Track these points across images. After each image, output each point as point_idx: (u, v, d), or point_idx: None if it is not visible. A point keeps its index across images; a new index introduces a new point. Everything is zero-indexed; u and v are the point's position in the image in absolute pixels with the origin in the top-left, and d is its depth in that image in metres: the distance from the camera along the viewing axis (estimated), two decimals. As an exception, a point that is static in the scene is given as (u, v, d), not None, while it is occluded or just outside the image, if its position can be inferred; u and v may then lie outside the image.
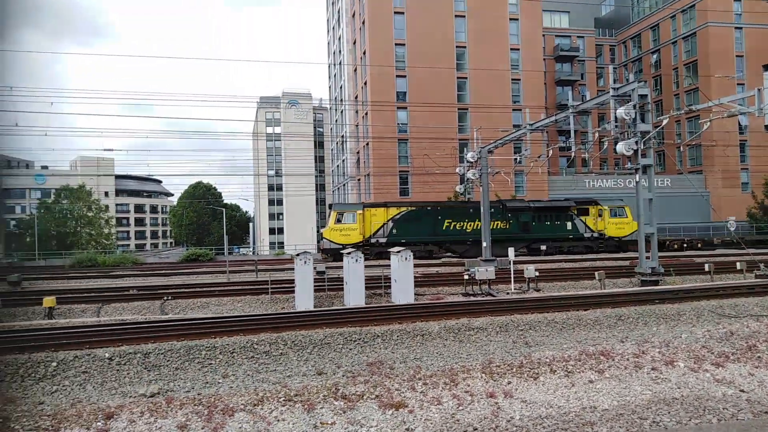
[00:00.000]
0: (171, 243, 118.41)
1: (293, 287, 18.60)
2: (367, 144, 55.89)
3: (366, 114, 56.61)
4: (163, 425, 7.33)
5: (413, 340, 12.77)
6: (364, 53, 56.63)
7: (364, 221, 34.05)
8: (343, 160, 71.45)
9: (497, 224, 34.82)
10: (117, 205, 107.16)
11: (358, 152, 62.02)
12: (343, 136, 70.76)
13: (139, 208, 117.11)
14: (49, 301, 16.43)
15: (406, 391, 8.80)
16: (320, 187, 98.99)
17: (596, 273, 21.35)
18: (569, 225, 35.90)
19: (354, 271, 18.04)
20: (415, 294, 18.47)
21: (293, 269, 18.50)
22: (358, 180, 61.78)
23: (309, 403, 8.18)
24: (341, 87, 72.46)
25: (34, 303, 17.82)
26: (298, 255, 18.10)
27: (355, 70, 62.33)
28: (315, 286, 18.56)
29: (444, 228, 34.73)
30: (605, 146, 24.83)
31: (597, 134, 24.04)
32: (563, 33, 67.19)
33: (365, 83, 56.88)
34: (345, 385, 9.05)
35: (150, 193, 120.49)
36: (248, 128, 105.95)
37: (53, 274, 29.47)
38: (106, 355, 10.73)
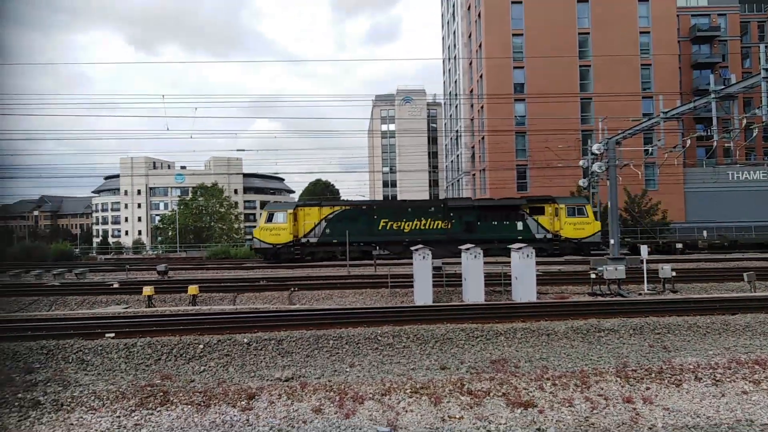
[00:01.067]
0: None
1: (411, 281, 18.79)
2: (483, 138, 54.98)
3: (482, 108, 55.71)
4: (299, 408, 7.74)
5: (538, 339, 12.36)
6: (480, 46, 55.71)
7: (296, 221, 33.05)
8: (458, 156, 70.94)
9: (437, 224, 32.81)
10: (245, 201, 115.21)
11: (473, 147, 61.24)
12: (457, 131, 70.26)
13: (264, 205, 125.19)
14: (193, 289, 18.06)
15: (534, 390, 8.54)
16: (433, 183, 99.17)
17: (745, 274, 19.25)
18: (519, 225, 32.78)
19: (473, 267, 17.83)
20: (537, 293, 17.87)
21: (411, 264, 18.69)
22: (473, 175, 60.99)
23: (435, 397, 8.22)
24: (456, 81, 71.93)
25: (180, 291, 19.68)
26: (416, 250, 18.25)
27: (471, 63, 61.55)
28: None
29: (380, 228, 33.05)
30: (754, 134, 22.24)
31: (744, 121, 21.57)
32: (701, 11, 61.22)
33: (481, 76, 55.97)
34: (470, 381, 8.97)
35: (274, 190, 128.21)
36: (364, 126, 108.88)
37: (193, 265, 32.33)
38: (245, 340, 11.56)
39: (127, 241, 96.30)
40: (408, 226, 33.00)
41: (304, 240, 33.12)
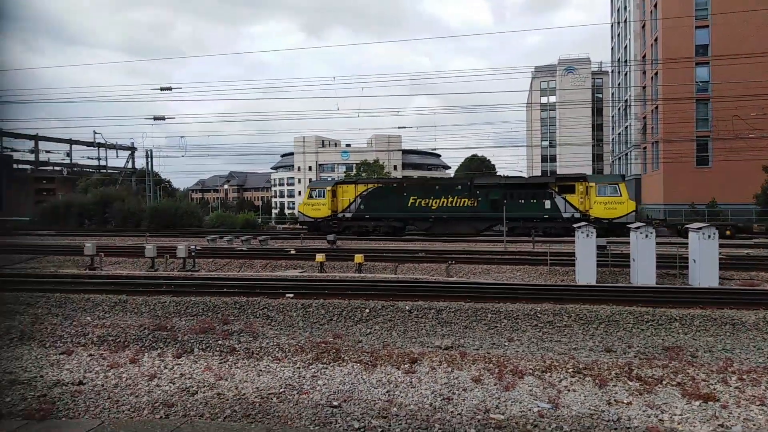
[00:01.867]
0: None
1: (572, 260, 18.02)
2: (656, 107, 49.89)
3: (656, 74, 50.46)
4: (459, 376, 7.99)
5: (720, 329, 11.18)
6: (656, 6, 50.22)
7: (335, 197, 35.00)
8: (626, 127, 65.32)
9: (464, 201, 32.88)
10: (403, 177, 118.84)
11: (644, 117, 55.90)
12: (626, 101, 64.57)
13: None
14: (359, 258, 19.31)
15: (715, 383, 7.80)
16: (597, 158, 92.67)
17: None
18: (547, 204, 31.24)
19: (644, 247, 16.54)
20: (719, 278, 16.05)
21: (573, 242, 17.91)
22: (644, 148, 55.83)
23: (600, 379, 7.92)
24: (626, 47, 65.90)
25: (347, 259, 21.15)
26: (579, 227, 17.41)
27: (644, 26, 55.83)
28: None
29: (409, 204, 33.64)
30: None
31: None
32: None
33: (656, 39, 50.59)
34: (639, 367, 8.47)
35: (431, 166, 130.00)
36: (522, 99, 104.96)
37: (357, 236, 34.31)
38: (407, 307, 12.15)
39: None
40: (435, 203, 33.44)
41: (341, 215, 35.16)
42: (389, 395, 7.34)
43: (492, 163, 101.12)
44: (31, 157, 45.57)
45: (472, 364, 8.48)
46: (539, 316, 11.77)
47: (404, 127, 70.52)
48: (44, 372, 8.28)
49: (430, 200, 33.68)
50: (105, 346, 9.45)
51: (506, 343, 10.43)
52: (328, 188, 35.68)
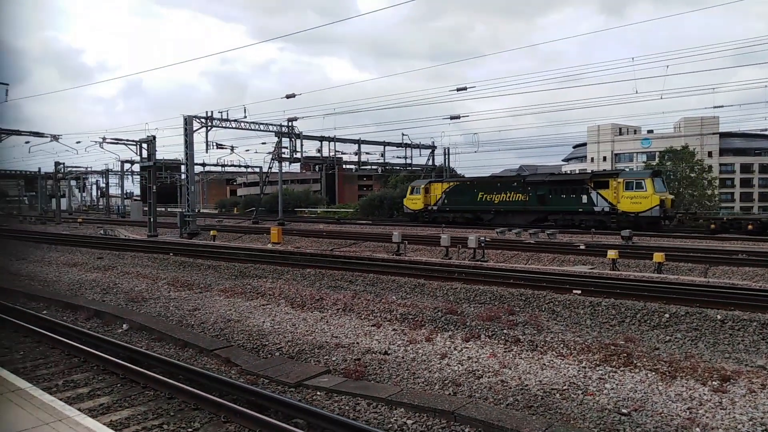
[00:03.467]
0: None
1: None
2: None
3: None
4: (791, 406, 6.55)
5: None
6: None
7: (428, 193, 42.94)
8: None
9: (518, 197, 37.28)
10: (721, 165, 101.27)
11: None
12: None
13: (745, 168, 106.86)
14: (659, 256, 17.36)
15: None
16: None
17: None
18: (584, 198, 34.01)
19: None
20: None
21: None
22: None
23: None
24: None
25: (643, 257, 19.25)
26: None
27: None
28: None
29: (478, 199, 39.56)
30: None
31: None
32: None
33: None
34: None
35: (759, 150, 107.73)
36: None
37: (657, 233, 30.80)
38: (718, 317, 10.47)
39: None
40: (497, 198, 38.74)
41: (431, 207, 42.79)
42: (691, 413, 6.50)
43: None
44: (355, 158, 53.89)
45: (813, 395, 6.86)
46: None
47: (722, 106, 59.68)
48: (359, 340, 9.83)
49: (493, 195, 39.01)
50: (405, 323, 10.68)
51: None
52: (422, 186, 43.68)
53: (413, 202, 44.25)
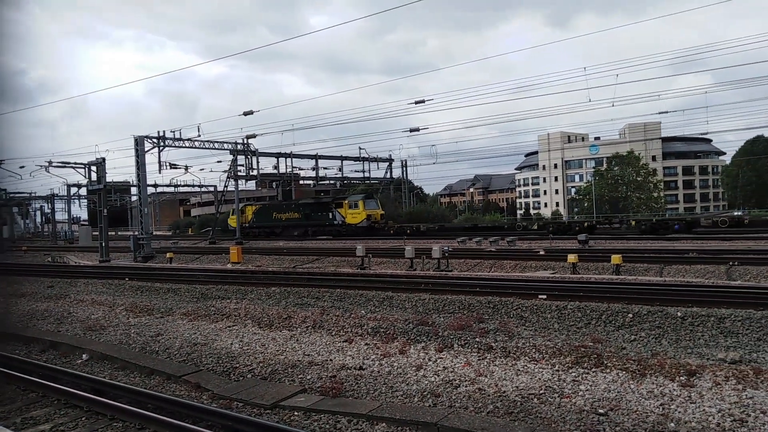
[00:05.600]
0: (723, 206, 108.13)
1: None
2: None
3: None
4: (755, 396, 6.83)
5: None
6: None
7: (244, 213, 52.28)
8: None
9: (294, 215, 50.11)
10: (664, 168, 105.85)
11: None
12: None
13: (687, 170, 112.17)
14: (616, 258, 17.93)
15: None
16: None
17: None
18: (330, 215, 47.43)
19: None
20: None
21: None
22: None
23: None
24: None
25: (602, 260, 19.84)
26: None
27: None
28: None
29: (273, 218, 51.55)
30: None
31: None
32: None
33: None
34: None
35: (699, 153, 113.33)
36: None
37: (612, 236, 31.87)
38: (678, 314, 10.85)
39: (546, 212, 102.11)
40: (284, 216, 50.87)
41: (245, 225, 51.68)
42: (664, 408, 6.68)
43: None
44: (313, 173, 53.65)
45: (772, 384, 7.16)
46: None
47: (665, 112, 62.57)
48: (332, 356, 9.69)
49: (282, 214, 51.22)
50: (377, 337, 10.61)
51: (819, 362, 8.52)
52: (240, 208, 51.48)
53: (233, 220, 53.02)
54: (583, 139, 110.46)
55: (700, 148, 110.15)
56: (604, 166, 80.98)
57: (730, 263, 17.77)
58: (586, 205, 75.12)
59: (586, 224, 37.32)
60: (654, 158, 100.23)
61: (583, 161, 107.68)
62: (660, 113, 45.15)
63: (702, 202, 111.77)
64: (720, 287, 13.48)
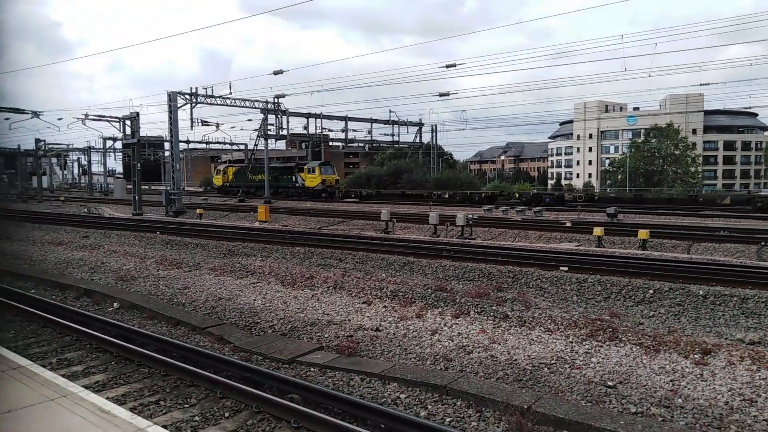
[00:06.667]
0: (765, 184, 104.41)
1: None
2: None
3: None
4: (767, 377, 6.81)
5: None
6: None
7: (226, 174, 60.31)
8: None
9: (262, 177, 50.52)
10: (705, 142, 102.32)
11: None
12: None
13: (728, 146, 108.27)
14: (643, 233, 17.67)
15: None
16: None
17: None
18: (294, 178, 52.58)
19: None
20: None
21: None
22: None
23: None
24: None
25: (629, 234, 19.58)
26: None
27: None
28: None
29: (249, 178, 55.77)
30: None
31: None
32: None
33: None
34: None
35: (742, 128, 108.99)
36: None
37: (644, 209, 31.28)
38: (700, 292, 10.75)
39: (578, 183, 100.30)
40: (258, 177, 53.09)
41: (226, 184, 60.17)
42: (673, 385, 6.73)
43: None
44: (342, 135, 53.62)
45: (793, 365, 7.12)
46: None
47: (708, 84, 59.72)
48: (351, 317, 9.96)
49: (256, 176, 54.19)
50: (396, 300, 10.82)
51: (841, 348, 8.39)
52: (222, 168, 60.15)
53: (216, 179, 62.98)
54: (621, 109, 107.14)
55: (744, 122, 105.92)
56: (642, 137, 78.67)
57: (762, 243, 17.35)
58: (620, 177, 73.46)
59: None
60: (694, 131, 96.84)
61: (620, 132, 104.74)
62: (701, 85, 43.22)
63: (742, 179, 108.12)
64: (747, 267, 13.22)
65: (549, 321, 9.27)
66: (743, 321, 9.76)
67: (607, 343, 8.22)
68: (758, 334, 8.87)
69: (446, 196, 43.80)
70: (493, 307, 10.10)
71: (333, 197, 48.37)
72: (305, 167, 51.94)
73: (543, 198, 39.40)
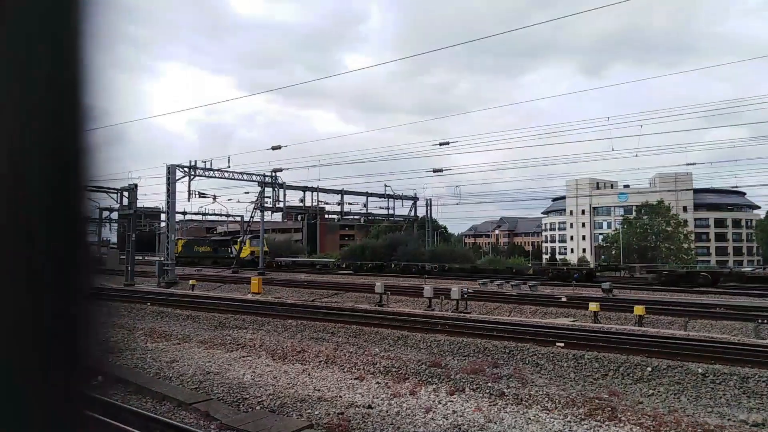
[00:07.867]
0: (757, 261, 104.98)
1: None
2: None
3: None
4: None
5: None
6: None
7: (176, 245, 53.08)
8: None
9: (207, 249, 65.72)
10: (695, 219, 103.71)
11: None
12: None
13: (719, 223, 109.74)
14: (639, 309, 17.55)
15: None
16: None
17: None
18: (229, 249, 60.44)
19: None
20: None
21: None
22: None
23: None
24: None
25: (624, 310, 19.43)
26: None
27: None
28: None
29: (194, 250, 66.34)
30: None
31: None
32: None
33: None
34: None
35: (732, 206, 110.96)
36: None
37: (638, 286, 31.21)
38: (699, 370, 10.54)
39: (572, 258, 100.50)
40: (201, 249, 65.39)
41: (177, 255, 55.90)
42: (676, 469, 6.46)
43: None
44: (338, 208, 54.14)
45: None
46: None
47: (694, 164, 61.35)
48: (342, 393, 9.65)
49: (200, 248, 65.70)
50: (389, 376, 10.55)
51: None
52: (176, 241, 58.39)
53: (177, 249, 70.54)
54: (611, 186, 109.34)
55: (733, 200, 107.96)
56: (633, 214, 79.81)
57: (759, 321, 17.22)
58: (613, 252, 73.77)
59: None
60: (685, 209, 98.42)
61: (612, 208, 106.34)
62: (687, 164, 44.32)
63: (735, 256, 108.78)
64: (746, 345, 13.05)
65: (546, 399, 9.03)
66: (745, 401, 9.51)
67: (606, 423, 7.97)
68: (761, 415, 8.63)
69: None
70: (489, 384, 9.85)
71: (257, 265, 52.09)
72: (239, 240, 59.29)
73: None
